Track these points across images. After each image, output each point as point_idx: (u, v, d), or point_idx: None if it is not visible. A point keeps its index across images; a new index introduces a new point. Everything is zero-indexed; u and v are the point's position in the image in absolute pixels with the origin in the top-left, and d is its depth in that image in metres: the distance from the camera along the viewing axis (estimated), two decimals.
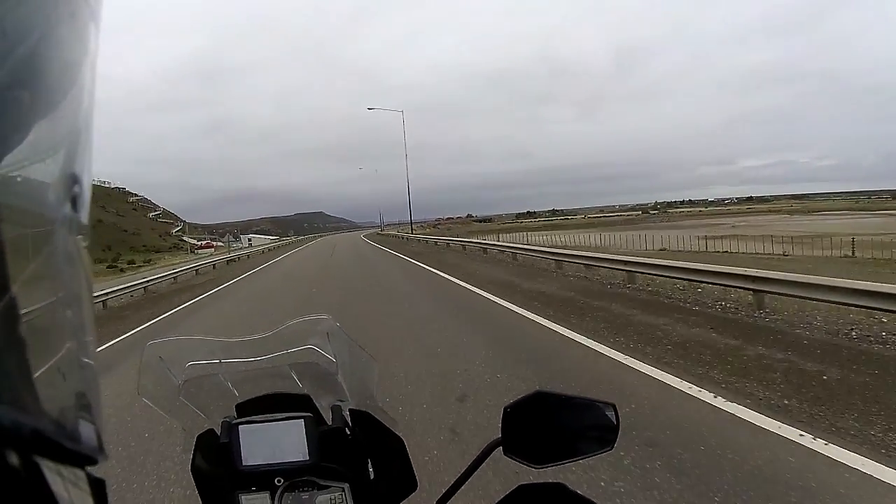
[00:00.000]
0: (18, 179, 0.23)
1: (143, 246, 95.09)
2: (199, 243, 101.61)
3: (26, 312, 0.23)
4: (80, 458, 0.26)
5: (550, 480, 0.70)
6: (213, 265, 26.11)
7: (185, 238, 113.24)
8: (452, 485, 0.76)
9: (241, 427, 0.78)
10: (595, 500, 0.66)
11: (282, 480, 0.76)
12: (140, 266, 53.26)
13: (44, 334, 0.25)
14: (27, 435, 0.21)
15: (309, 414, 0.78)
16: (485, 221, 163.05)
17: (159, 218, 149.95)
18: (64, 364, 0.26)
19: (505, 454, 0.71)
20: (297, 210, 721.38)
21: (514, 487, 0.69)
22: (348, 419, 0.82)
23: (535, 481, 0.71)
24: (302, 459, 0.76)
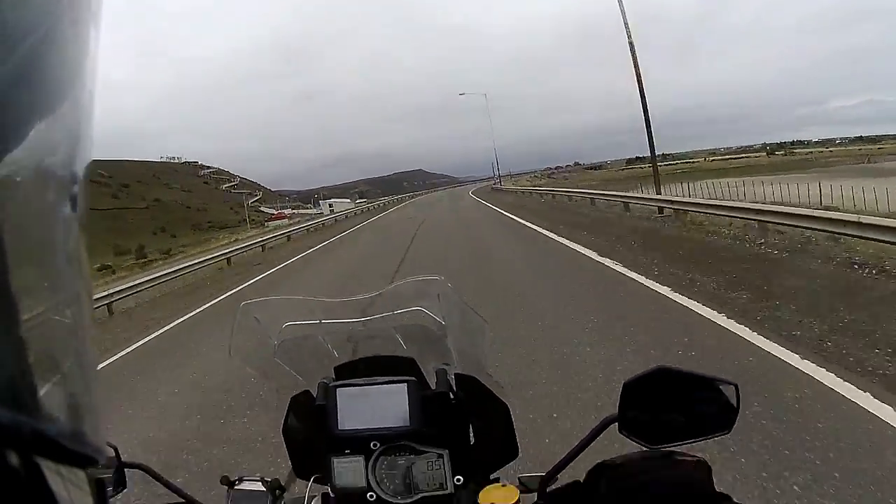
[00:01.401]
0: (18, 179, 0.23)
1: (209, 222, 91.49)
2: (273, 213, 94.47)
3: (26, 313, 0.23)
4: (80, 458, 0.26)
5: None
6: (262, 246, 19.43)
7: (262, 208, 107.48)
8: (563, 458, 0.70)
9: (339, 390, 0.77)
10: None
11: (378, 445, 0.75)
12: (148, 263, 43.78)
13: (44, 334, 0.25)
14: (27, 435, 0.21)
15: (412, 378, 0.77)
16: (595, 169, 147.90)
17: (234, 189, 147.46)
18: (64, 364, 0.26)
19: (619, 431, 0.66)
20: (396, 169, 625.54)
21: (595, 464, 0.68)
22: (453, 383, 0.79)
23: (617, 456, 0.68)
24: (403, 425, 0.74)
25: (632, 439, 0.65)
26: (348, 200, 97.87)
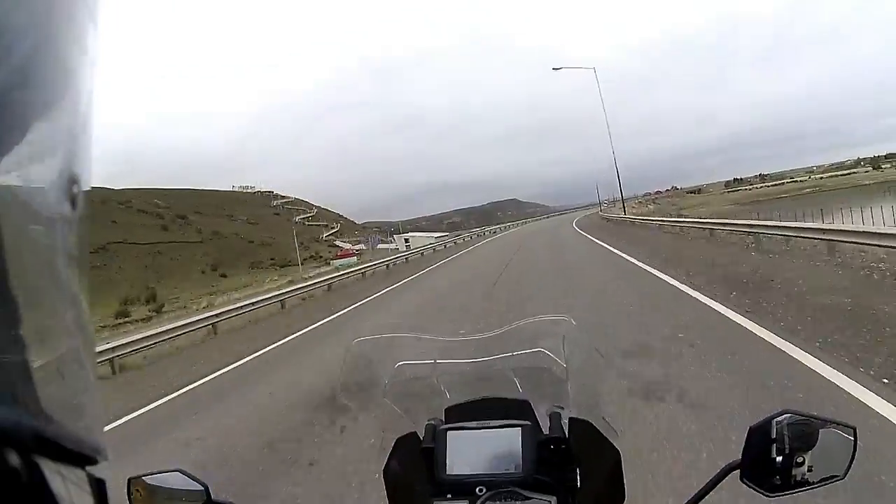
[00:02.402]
0: (18, 180, 0.23)
1: (272, 259, 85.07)
2: (342, 248, 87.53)
3: (26, 313, 0.23)
4: (80, 458, 0.26)
5: None
6: (282, 303, 15.11)
7: (338, 242, 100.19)
8: None
9: (449, 433, 0.75)
10: None
11: (484, 490, 0.71)
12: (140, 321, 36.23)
13: (44, 334, 0.25)
14: (27, 435, 0.21)
15: (527, 422, 0.75)
16: (695, 193, 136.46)
17: (308, 221, 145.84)
18: (64, 364, 0.26)
19: (741, 479, 0.65)
20: (489, 199, 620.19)
21: None
22: (566, 428, 0.77)
23: None
24: (513, 471, 0.72)
25: (752, 488, 0.64)
26: (425, 235, 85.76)
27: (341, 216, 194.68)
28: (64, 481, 0.24)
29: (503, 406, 0.79)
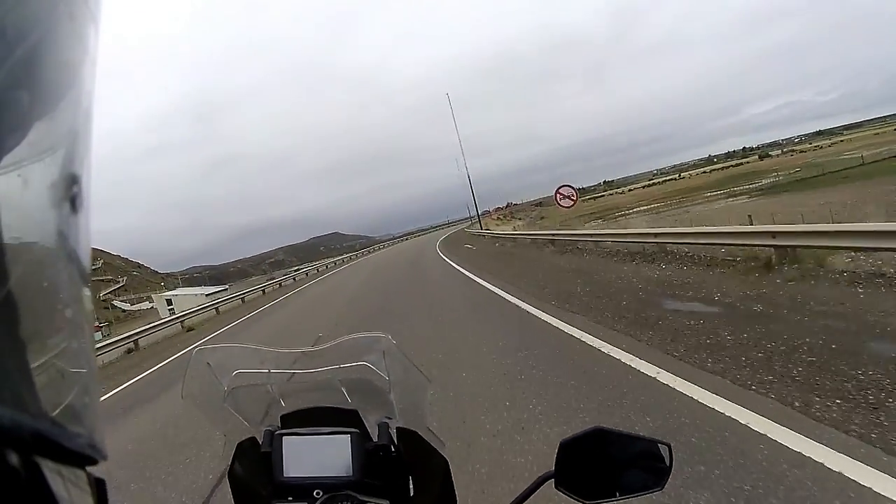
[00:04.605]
0: (18, 180, 0.23)
1: None
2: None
3: (26, 313, 0.22)
4: (80, 458, 0.25)
5: None
6: None
7: (116, 302, 75.41)
8: None
9: (285, 438, 0.79)
10: None
11: (321, 493, 0.75)
12: None
13: (44, 334, 0.25)
14: (27, 435, 0.21)
15: (356, 430, 0.79)
16: (539, 206, 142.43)
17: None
18: (64, 364, 0.26)
19: (556, 488, 0.70)
20: (312, 234, 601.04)
21: None
22: (394, 437, 0.81)
23: None
24: (345, 475, 0.76)
25: (568, 495, 0.69)
26: (194, 292, 61.94)
27: (140, 265, 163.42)
28: (64, 481, 0.24)
29: (334, 415, 0.83)
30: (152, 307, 58.31)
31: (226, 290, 54.99)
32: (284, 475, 0.77)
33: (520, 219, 60.12)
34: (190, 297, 50.20)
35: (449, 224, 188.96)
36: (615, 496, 0.68)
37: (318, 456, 0.77)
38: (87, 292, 0.29)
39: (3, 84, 0.22)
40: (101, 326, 51.81)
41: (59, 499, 0.23)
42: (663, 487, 0.69)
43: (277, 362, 0.87)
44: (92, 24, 0.28)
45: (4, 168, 0.22)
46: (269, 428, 0.82)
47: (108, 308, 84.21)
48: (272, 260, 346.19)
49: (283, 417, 0.86)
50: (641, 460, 0.70)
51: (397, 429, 0.82)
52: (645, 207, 52.40)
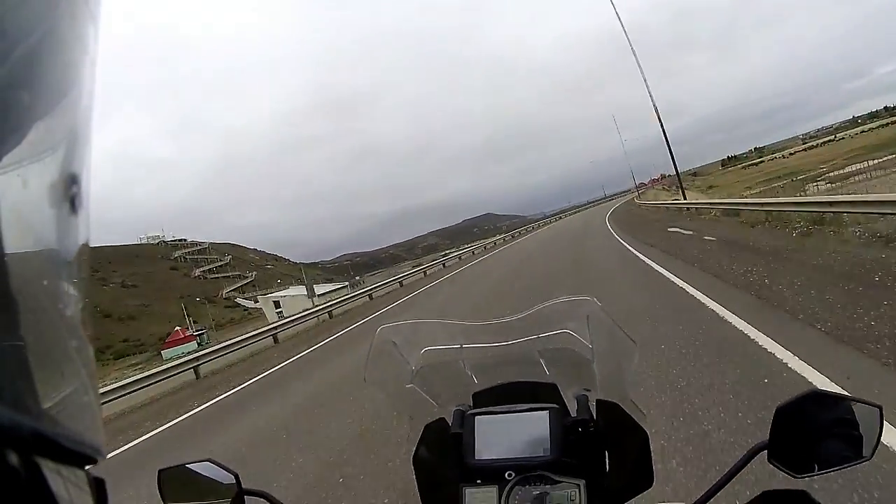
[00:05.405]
0: (18, 180, 0.23)
1: (124, 341, 64.05)
2: (175, 332, 56.23)
3: (26, 313, 0.23)
4: (80, 458, 0.26)
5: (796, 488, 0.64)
6: None
7: (240, 300, 72.75)
8: (710, 489, 0.70)
9: (477, 418, 0.76)
10: None
11: (513, 474, 0.72)
12: None
13: (43, 334, 0.25)
14: (27, 435, 0.21)
15: (554, 405, 0.76)
16: (695, 175, 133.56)
17: (214, 273, 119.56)
18: (64, 364, 0.26)
19: (769, 460, 0.66)
20: (464, 216, 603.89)
21: (759, 493, 0.66)
22: (594, 410, 0.77)
23: (779, 488, 0.66)
24: (542, 454, 0.73)
25: (780, 468, 0.65)
26: (303, 292, 42.36)
27: (277, 258, 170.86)
28: (64, 481, 0.24)
29: (530, 389, 0.80)
30: (261, 308, 53.84)
31: (346, 287, 47.97)
32: (476, 457, 0.74)
33: (687, 188, 53.31)
34: (300, 299, 43.66)
35: (606, 198, 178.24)
36: (825, 468, 0.63)
37: (512, 435, 0.74)
38: (86, 292, 0.28)
39: (3, 84, 0.22)
40: (199, 334, 48.41)
41: (59, 499, 0.23)
42: (871, 457, 0.63)
43: (470, 336, 0.84)
44: (92, 24, 0.27)
45: (4, 168, 0.22)
46: (460, 407, 0.79)
47: (231, 307, 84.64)
48: (425, 244, 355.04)
49: (474, 395, 0.82)
50: (845, 426, 0.64)
51: (597, 401, 0.77)
52: (853, 167, 37.18)
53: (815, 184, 27.35)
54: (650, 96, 15.05)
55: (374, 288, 21.03)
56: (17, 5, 0.23)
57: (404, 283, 22.53)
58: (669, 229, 14.78)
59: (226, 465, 0.79)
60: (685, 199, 21.28)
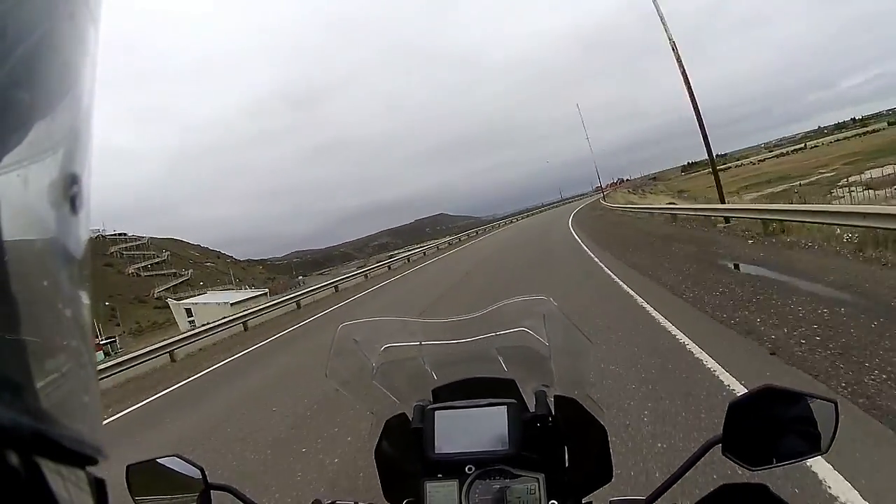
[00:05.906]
0: (18, 180, 0.23)
1: None
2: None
3: (26, 312, 0.23)
4: (80, 458, 0.25)
5: (754, 481, 0.67)
6: None
7: (171, 302, 65.88)
8: (664, 482, 0.70)
9: (437, 413, 0.77)
10: None
11: (473, 469, 0.74)
12: None
13: (44, 334, 0.25)
14: (27, 435, 0.21)
15: (513, 400, 0.76)
16: (653, 179, 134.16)
17: (143, 272, 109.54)
18: (64, 364, 0.26)
19: (723, 453, 0.67)
20: (416, 216, 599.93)
21: (717, 486, 0.66)
22: (552, 406, 0.78)
23: (737, 481, 0.67)
24: (501, 448, 0.73)
25: (735, 461, 0.66)
26: (216, 300, 48.04)
27: (219, 255, 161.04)
28: (64, 481, 0.24)
29: (489, 385, 0.80)
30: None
31: (265, 294, 45.09)
32: (437, 451, 0.75)
33: (651, 192, 55.48)
34: (211, 308, 39.47)
35: (563, 200, 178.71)
36: (779, 461, 0.65)
37: (471, 430, 0.75)
38: (86, 291, 0.28)
39: (3, 84, 0.22)
40: (107, 343, 43.86)
41: (59, 499, 0.23)
42: (827, 451, 0.64)
43: (429, 333, 0.84)
44: (92, 24, 0.28)
45: (4, 168, 0.22)
46: (421, 403, 0.80)
47: (161, 308, 78.28)
48: (376, 243, 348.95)
49: (434, 391, 0.83)
50: (801, 422, 0.65)
51: (555, 397, 0.79)
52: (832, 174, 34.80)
53: (838, 188, 24.26)
54: (684, 77, 13.54)
55: (304, 294, 19.28)
56: (17, 5, 0.23)
57: (339, 287, 21.12)
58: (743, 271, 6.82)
59: (192, 460, 0.79)
60: (723, 202, 14.07)
